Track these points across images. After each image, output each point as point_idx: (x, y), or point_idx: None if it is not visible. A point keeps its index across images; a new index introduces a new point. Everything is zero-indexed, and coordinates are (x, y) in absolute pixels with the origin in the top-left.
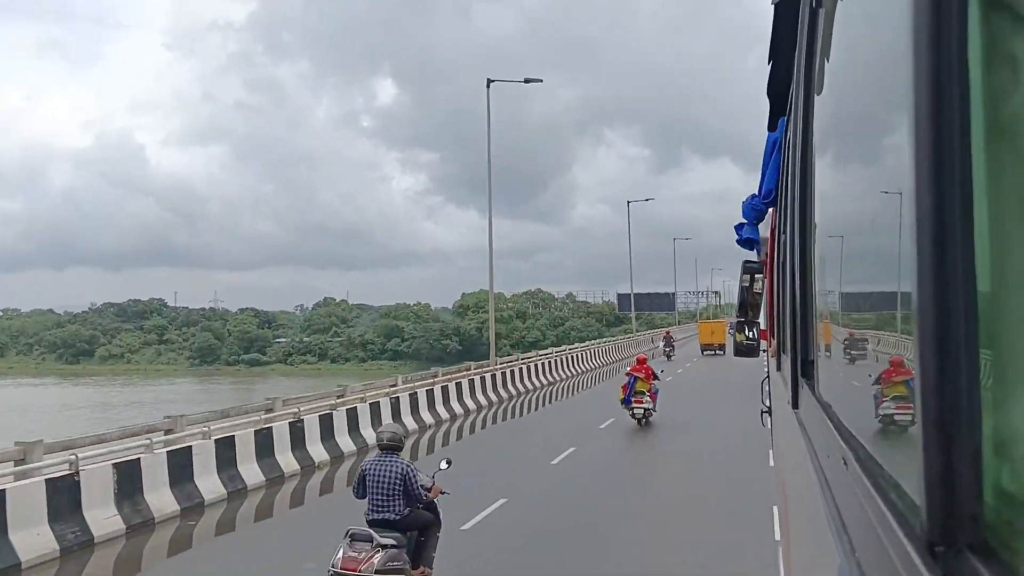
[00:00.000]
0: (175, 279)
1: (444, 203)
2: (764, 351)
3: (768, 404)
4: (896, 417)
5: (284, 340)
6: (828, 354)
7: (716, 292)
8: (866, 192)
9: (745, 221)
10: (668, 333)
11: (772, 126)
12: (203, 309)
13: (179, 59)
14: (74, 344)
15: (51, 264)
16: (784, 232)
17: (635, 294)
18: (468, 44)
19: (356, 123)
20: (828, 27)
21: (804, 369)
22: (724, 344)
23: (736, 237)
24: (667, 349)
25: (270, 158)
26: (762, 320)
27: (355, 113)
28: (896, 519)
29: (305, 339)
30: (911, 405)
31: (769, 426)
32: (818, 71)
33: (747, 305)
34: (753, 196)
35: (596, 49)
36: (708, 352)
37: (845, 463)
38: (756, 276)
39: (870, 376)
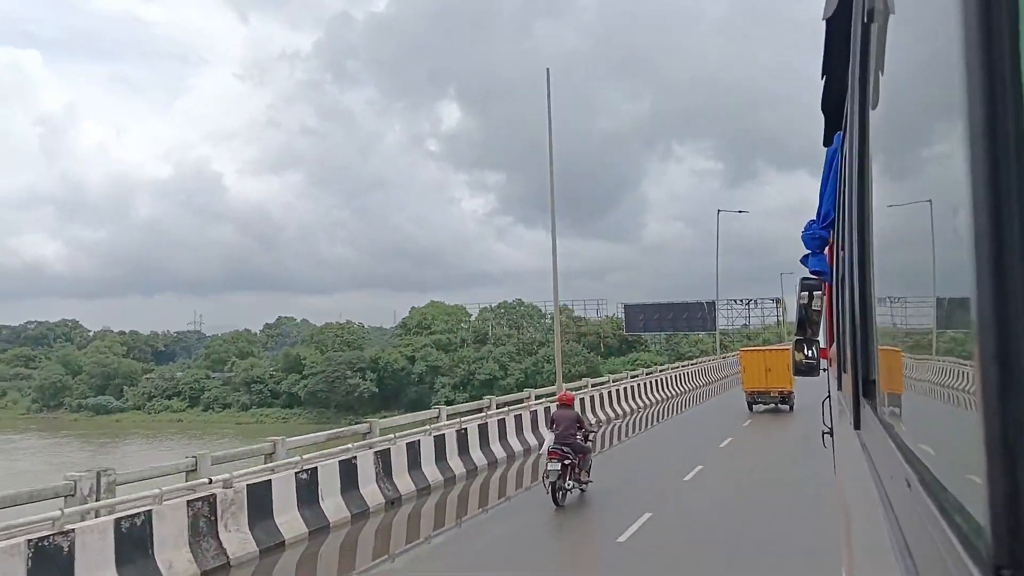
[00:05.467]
0: (258, 304)
1: (513, 223)
2: (825, 370)
3: (830, 425)
4: (960, 437)
5: (152, 376)
6: (890, 373)
7: (776, 299)
8: (924, 206)
9: (809, 252)
10: (568, 400)
11: (828, 141)
12: (122, 333)
13: (251, 89)
14: None
15: (140, 291)
16: (843, 248)
17: (650, 305)
18: (531, 62)
19: (423, 146)
20: (881, 41)
21: (866, 389)
22: (792, 392)
23: (807, 270)
24: (553, 471)
25: (342, 184)
26: (822, 338)
27: (422, 136)
28: (961, 542)
29: (177, 374)
30: (975, 424)
31: (831, 447)
32: (872, 85)
33: (806, 323)
34: (811, 223)
35: (661, 62)
36: (761, 405)
37: (908, 484)
38: (815, 293)
39: (933, 395)
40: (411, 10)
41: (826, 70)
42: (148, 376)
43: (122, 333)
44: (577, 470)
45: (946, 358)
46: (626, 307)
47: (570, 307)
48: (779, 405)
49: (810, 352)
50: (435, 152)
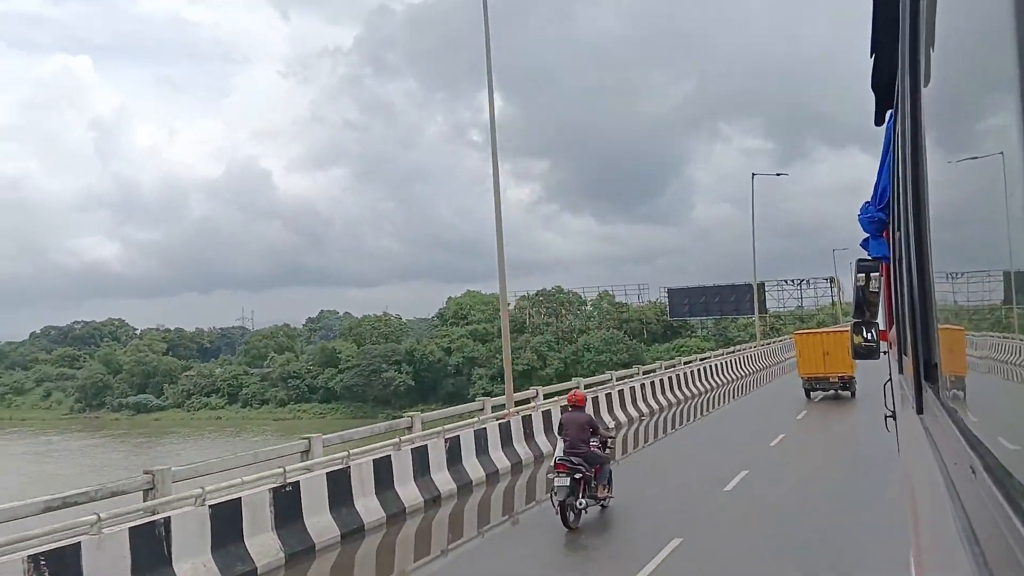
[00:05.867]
0: (308, 298)
1: (559, 211)
2: (885, 352)
3: (892, 408)
4: None
5: (191, 373)
6: (951, 355)
7: (830, 279)
8: (981, 183)
9: (868, 235)
10: (579, 400)
11: (879, 120)
12: (168, 330)
13: (295, 86)
14: None
15: (197, 288)
16: (899, 228)
17: (695, 289)
18: (572, 48)
19: (465, 136)
20: (931, 15)
21: (927, 372)
22: (853, 377)
23: (868, 255)
24: (562, 487)
25: (386, 177)
26: (881, 320)
27: (463, 127)
28: None
29: (216, 371)
30: None
31: (895, 431)
32: (924, 61)
33: (864, 305)
34: (867, 205)
35: (705, 41)
36: (819, 391)
37: (973, 471)
38: (871, 275)
39: (996, 378)
40: None
41: (875, 47)
42: (187, 373)
43: (167, 331)
44: (593, 484)
45: (1009, 338)
46: (669, 291)
47: (611, 292)
48: (839, 391)
49: (869, 335)
50: (477, 142)
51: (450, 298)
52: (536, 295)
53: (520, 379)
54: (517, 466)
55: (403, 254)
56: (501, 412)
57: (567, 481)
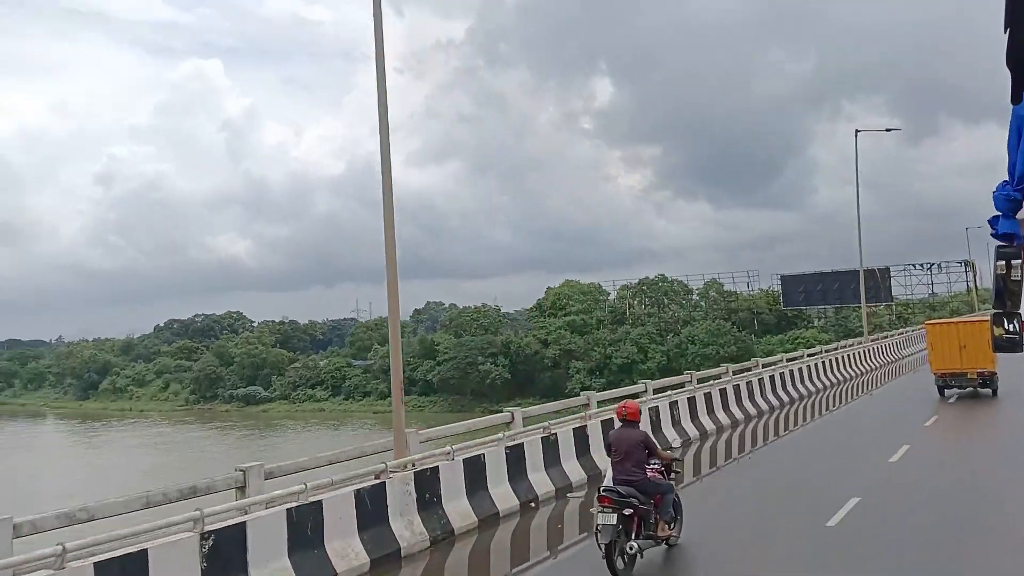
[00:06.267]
0: (425, 290)
1: (672, 197)
2: None
3: None
4: None
5: (298, 365)
6: None
7: (965, 262)
8: None
9: (999, 213)
10: (632, 413)
11: (1016, 98)
12: (283, 322)
13: (410, 81)
14: (82, 375)
15: (323, 281)
16: None
17: (811, 275)
18: (682, 29)
19: (577, 125)
20: None
21: None
22: (995, 372)
23: (992, 232)
24: (607, 525)
25: (501, 168)
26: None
27: (575, 115)
28: None
29: (321, 363)
30: None
31: None
32: None
33: (1004, 294)
34: (1004, 184)
35: (825, 14)
36: (955, 388)
37: None
38: (1012, 262)
39: None
40: None
41: (1010, 22)
42: (294, 365)
43: (281, 323)
44: (652, 520)
45: None
46: (783, 278)
47: (719, 280)
48: (979, 389)
49: (1011, 326)
50: (588, 130)
51: (549, 288)
52: (638, 284)
53: (619, 373)
54: (392, 556)
55: (516, 245)
56: (378, 468)
57: (613, 518)
